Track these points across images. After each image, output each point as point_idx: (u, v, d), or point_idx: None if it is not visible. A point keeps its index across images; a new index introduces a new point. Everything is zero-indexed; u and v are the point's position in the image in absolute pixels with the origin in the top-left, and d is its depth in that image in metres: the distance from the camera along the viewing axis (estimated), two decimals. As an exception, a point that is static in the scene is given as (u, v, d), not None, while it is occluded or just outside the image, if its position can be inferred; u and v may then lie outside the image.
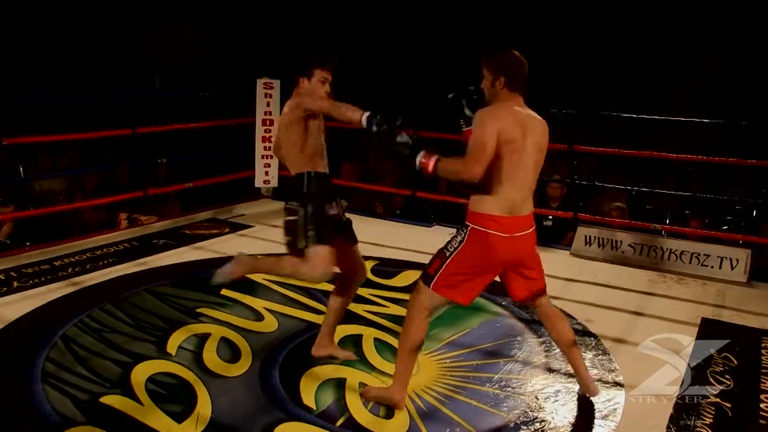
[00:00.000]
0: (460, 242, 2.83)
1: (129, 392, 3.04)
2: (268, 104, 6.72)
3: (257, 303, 4.13)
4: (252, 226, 6.10)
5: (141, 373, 3.21)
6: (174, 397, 3.03)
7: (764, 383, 3.40)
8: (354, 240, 3.33)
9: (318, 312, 4.01)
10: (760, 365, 3.61)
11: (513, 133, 2.73)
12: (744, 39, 7.85)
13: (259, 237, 5.77)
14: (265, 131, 6.72)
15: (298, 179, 3.13)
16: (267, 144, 6.72)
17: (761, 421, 3.04)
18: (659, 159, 5.85)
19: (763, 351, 3.79)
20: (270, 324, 3.86)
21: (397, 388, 2.98)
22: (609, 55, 8.55)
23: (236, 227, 6.06)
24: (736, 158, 5.74)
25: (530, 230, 2.89)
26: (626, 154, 5.73)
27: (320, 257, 3.05)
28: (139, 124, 6.06)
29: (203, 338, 3.62)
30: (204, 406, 2.95)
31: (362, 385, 3.17)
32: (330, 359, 3.42)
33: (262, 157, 6.77)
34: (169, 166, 7.24)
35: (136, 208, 6.41)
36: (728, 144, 6.84)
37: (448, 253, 2.86)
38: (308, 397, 3.05)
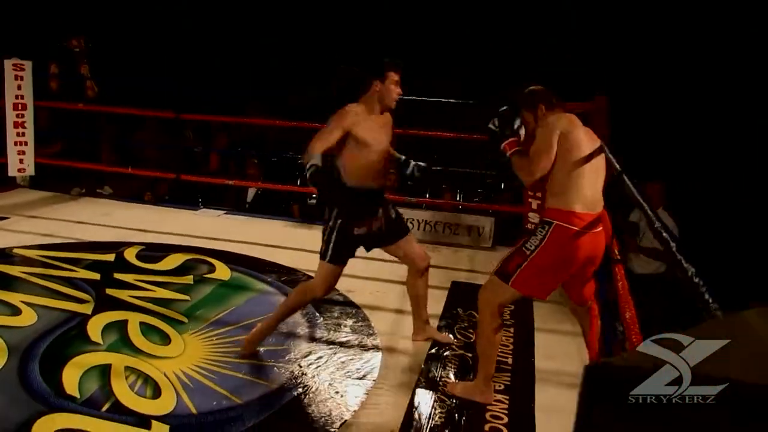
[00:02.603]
0: (542, 239, 2.82)
1: None
2: (19, 87, 6.22)
3: (13, 297, 3.90)
4: (7, 218, 5.67)
5: None
6: None
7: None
8: (402, 233, 3.59)
9: (81, 301, 3.90)
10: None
11: (576, 137, 2.87)
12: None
13: (14, 230, 5.38)
14: (17, 116, 6.23)
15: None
16: (20, 129, 6.24)
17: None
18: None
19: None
20: (28, 317, 3.67)
21: (483, 385, 3.08)
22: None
23: (-14, 220, 5.60)
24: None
25: (602, 228, 2.92)
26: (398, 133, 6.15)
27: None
28: None
29: (-53, 341, 3.36)
30: (-49, 410, 2.77)
31: (128, 368, 3.18)
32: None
33: (15, 143, 6.28)
34: None
35: None
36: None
37: (528, 252, 2.84)
38: (71, 387, 3.00)
